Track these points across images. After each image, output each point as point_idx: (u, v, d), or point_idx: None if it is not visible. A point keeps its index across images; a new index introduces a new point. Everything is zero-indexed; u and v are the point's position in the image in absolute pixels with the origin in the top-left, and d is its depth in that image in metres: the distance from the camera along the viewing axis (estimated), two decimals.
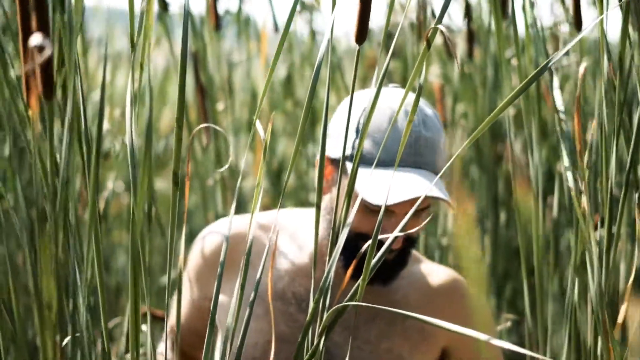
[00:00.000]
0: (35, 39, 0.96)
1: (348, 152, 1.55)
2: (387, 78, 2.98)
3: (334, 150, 1.59)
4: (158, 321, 2.55)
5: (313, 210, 1.70)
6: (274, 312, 1.65)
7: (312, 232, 1.68)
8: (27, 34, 0.98)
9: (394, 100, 1.57)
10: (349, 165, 1.55)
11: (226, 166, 1.33)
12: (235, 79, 3.15)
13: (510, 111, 2.30)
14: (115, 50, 4.05)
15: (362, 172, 1.52)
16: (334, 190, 1.59)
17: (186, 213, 1.24)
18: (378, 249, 1.54)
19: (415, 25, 2.79)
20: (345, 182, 1.55)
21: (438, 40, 2.53)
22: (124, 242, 3.37)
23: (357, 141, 1.52)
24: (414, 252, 1.76)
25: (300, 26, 3.46)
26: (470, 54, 2.34)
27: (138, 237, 1.15)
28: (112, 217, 3.29)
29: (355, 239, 1.56)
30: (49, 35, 1.01)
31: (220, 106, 2.65)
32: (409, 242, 1.61)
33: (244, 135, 3.22)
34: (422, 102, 1.60)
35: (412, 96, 1.58)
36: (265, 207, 3.26)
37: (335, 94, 3.40)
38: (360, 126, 1.53)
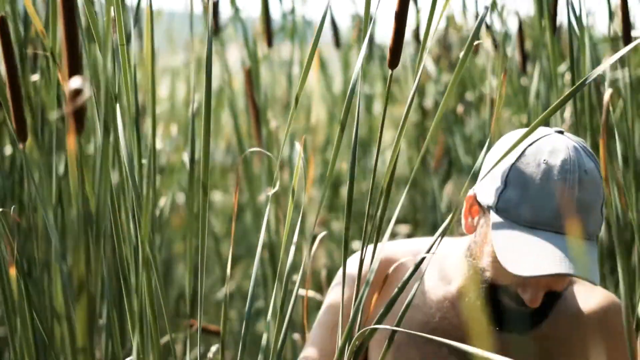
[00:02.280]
0: (75, 82, 0.97)
1: (491, 200, 1.45)
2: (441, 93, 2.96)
3: (482, 195, 1.48)
4: (213, 336, 2.55)
5: (459, 239, 1.61)
6: (428, 358, 1.57)
7: (458, 263, 1.58)
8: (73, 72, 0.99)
9: (553, 153, 1.42)
10: (493, 215, 1.45)
11: (275, 189, 1.33)
12: (290, 91, 3.15)
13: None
14: (174, 62, 4.08)
15: (504, 233, 1.43)
16: (477, 235, 1.50)
17: (233, 230, 1.24)
18: (517, 302, 1.46)
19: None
20: (487, 231, 1.47)
21: (492, 52, 2.50)
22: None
23: (504, 193, 1.44)
24: None
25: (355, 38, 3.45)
26: (523, 69, 2.31)
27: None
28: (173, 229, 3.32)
29: (495, 291, 1.48)
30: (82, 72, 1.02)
31: (272, 124, 2.65)
32: (552, 296, 1.48)
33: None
34: (584, 153, 1.44)
35: (575, 149, 1.44)
36: (322, 222, 3.25)
37: (392, 106, 3.39)
38: (510, 178, 1.43)
